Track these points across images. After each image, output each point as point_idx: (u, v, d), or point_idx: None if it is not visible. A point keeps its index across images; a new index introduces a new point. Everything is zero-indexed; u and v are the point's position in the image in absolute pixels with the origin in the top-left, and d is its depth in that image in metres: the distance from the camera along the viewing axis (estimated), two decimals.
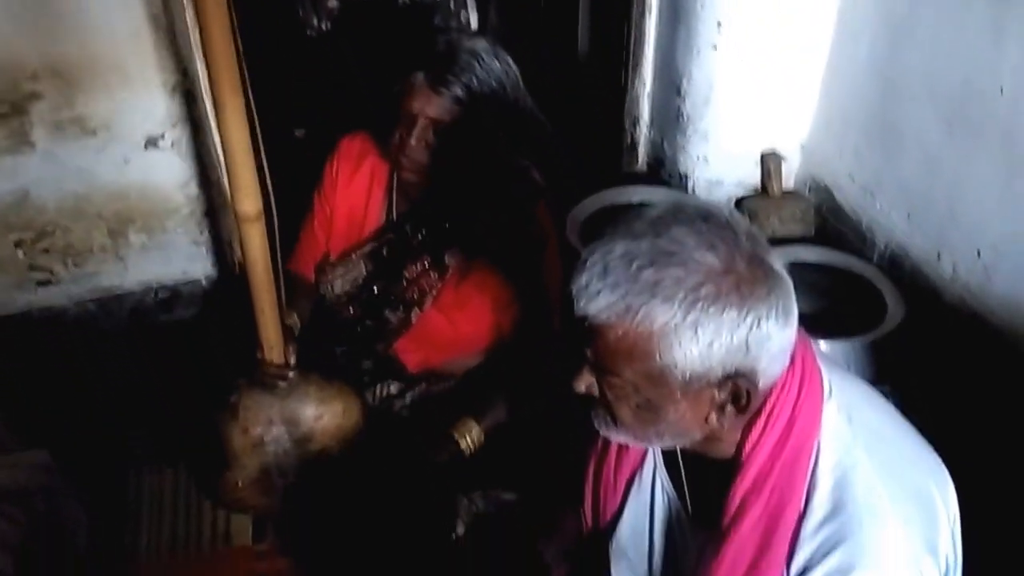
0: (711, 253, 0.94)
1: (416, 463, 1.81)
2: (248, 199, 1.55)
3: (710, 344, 0.94)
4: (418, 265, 1.89)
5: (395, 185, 1.91)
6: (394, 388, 1.99)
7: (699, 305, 0.92)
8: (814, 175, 2.51)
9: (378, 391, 1.99)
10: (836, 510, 0.99)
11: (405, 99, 1.73)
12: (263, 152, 1.53)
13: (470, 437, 1.79)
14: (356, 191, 1.92)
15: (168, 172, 2.28)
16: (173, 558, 1.89)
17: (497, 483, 1.79)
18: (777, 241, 2.41)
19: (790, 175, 2.58)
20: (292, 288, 1.95)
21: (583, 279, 0.96)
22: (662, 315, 0.93)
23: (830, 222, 2.46)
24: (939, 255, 2.03)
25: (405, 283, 1.90)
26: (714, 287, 0.93)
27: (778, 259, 0.98)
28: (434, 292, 1.89)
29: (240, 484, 1.85)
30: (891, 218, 2.19)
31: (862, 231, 2.31)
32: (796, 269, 2.31)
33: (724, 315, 0.93)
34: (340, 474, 1.88)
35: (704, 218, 0.96)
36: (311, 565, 1.89)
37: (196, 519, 1.99)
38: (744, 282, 0.94)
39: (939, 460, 1.08)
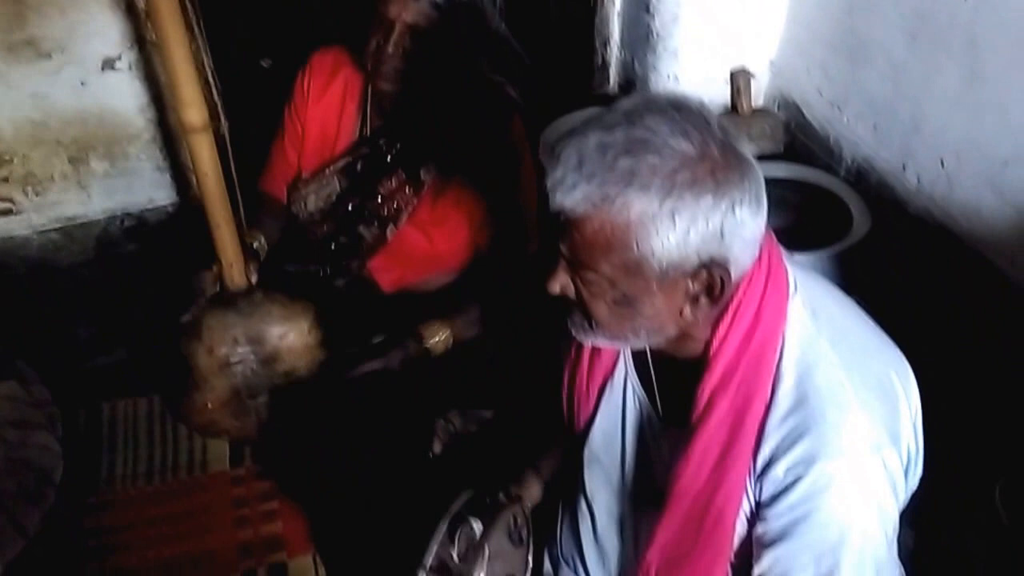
0: (685, 140, 0.94)
1: (384, 382, 1.82)
2: (192, 109, 1.53)
3: (687, 231, 0.94)
4: (393, 181, 1.87)
5: (369, 99, 1.88)
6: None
7: (676, 191, 0.93)
8: (783, 91, 2.50)
9: (352, 314, 1.99)
10: (800, 402, 1.01)
11: (382, 5, 1.70)
12: (211, 65, 1.51)
13: (438, 337, 1.80)
14: (328, 106, 1.89)
15: (127, 95, 2.23)
16: (150, 487, 1.90)
17: (474, 402, 1.82)
18: None
19: (759, 92, 2.57)
20: (262, 208, 1.93)
21: (558, 172, 0.96)
22: (639, 203, 0.93)
23: (799, 138, 2.46)
24: (904, 166, 2.04)
25: (380, 199, 1.88)
26: (690, 173, 0.93)
27: (747, 148, 0.98)
28: (410, 208, 1.87)
29: (210, 406, 1.85)
30: (857, 131, 2.19)
31: (830, 146, 2.31)
32: (766, 185, 2.33)
33: (700, 201, 0.93)
34: (313, 395, 1.89)
35: (676, 107, 0.96)
36: (290, 488, 1.91)
37: (172, 447, 2.00)
38: (719, 168, 0.94)
39: (900, 354, 1.11)
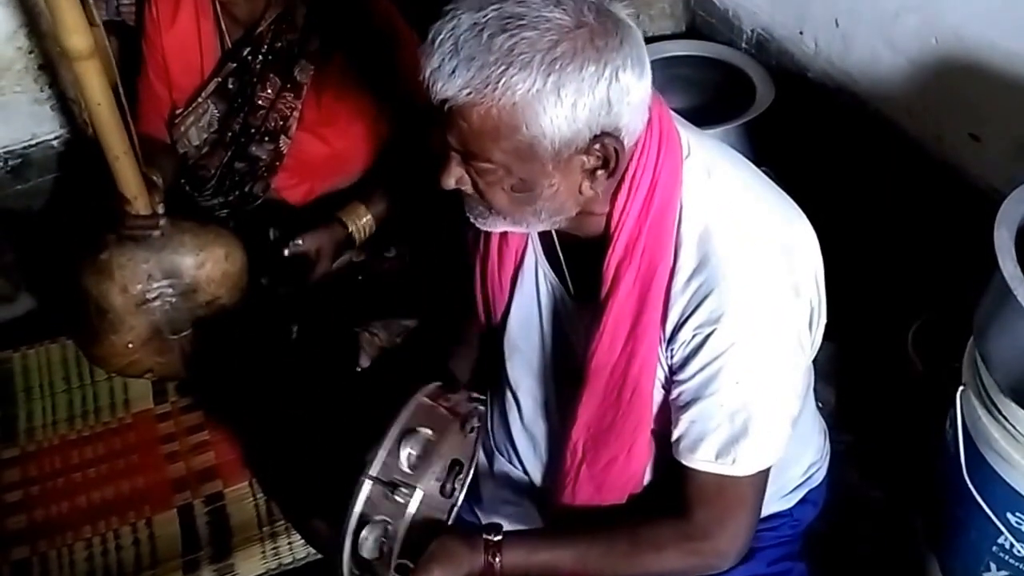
0: (559, 9, 0.91)
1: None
2: (76, 35, 1.42)
3: (573, 105, 0.92)
4: (270, 89, 1.79)
5: (220, 12, 1.79)
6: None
7: (557, 65, 0.90)
8: None
9: (271, 238, 1.93)
10: (702, 264, 1.02)
11: None
12: None
13: (360, 222, 1.77)
14: (183, 30, 1.80)
15: None
16: (73, 432, 1.85)
17: (395, 311, 1.80)
18: (649, 39, 2.38)
19: None
20: (149, 151, 1.83)
21: (435, 60, 0.92)
22: (522, 82, 0.90)
23: (699, 15, 2.44)
24: (801, 32, 2.04)
25: (263, 112, 1.80)
26: (569, 44, 0.90)
27: (623, 9, 0.95)
28: (296, 114, 1.80)
29: (131, 346, 1.79)
30: (754, 1, 2.18)
31: (729, 19, 2.30)
32: (669, 64, 2.32)
33: (583, 71, 0.91)
34: (237, 322, 1.85)
35: None
36: (221, 414, 1.89)
37: (92, 390, 1.93)
38: (597, 35, 0.92)
39: (797, 208, 1.11)
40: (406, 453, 1.15)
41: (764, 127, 2.05)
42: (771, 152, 2.02)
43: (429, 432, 1.18)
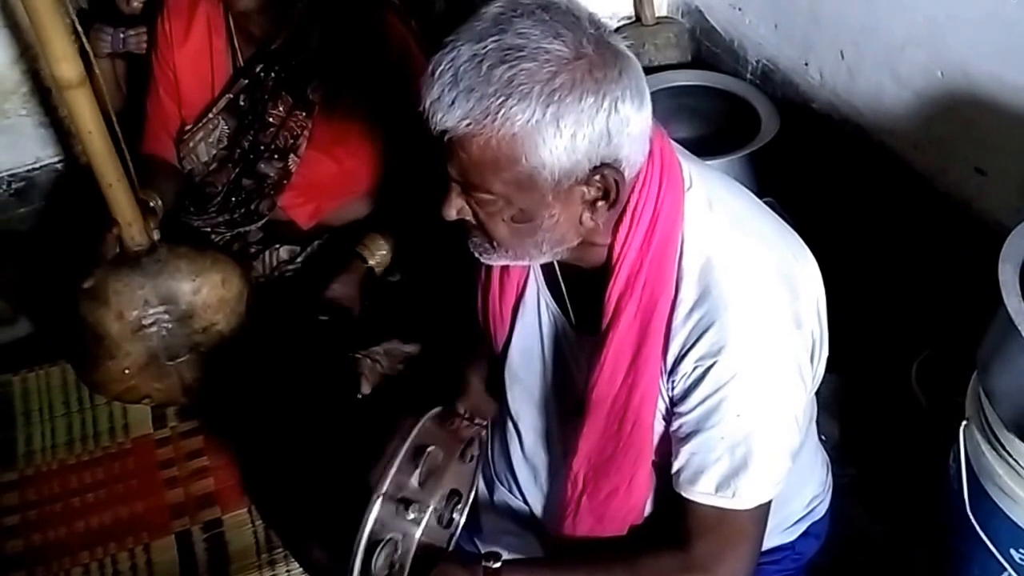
0: (558, 41, 0.91)
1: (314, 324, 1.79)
2: (65, 63, 1.43)
3: (573, 135, 0.92)
4: (281, 107, 1.80)
5: (234, 28, 1.80)
6: (284, 253, 1.93)
7: (556, 96, 0.90)
8: None
9: (267, 259, 1.93)
10: (703, 296, 1.01)
11: None
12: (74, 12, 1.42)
13: (379, 254, 1.77)
14: (195, 46, 1.80)
15: None
16: (72, 457, 1.84)
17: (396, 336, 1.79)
18: (654, 69, 2.39)
19: (662, 1, 2.54)
20: (151, 172, 1.83)
21: (435, 91, 0.92)
22: (522, 113, 0.90)
23: (704, 45, 2.45)
24: (807, 63, 2.05)
25: (273, 129, 1.81)
26: (568, 76, 0.91)
27: (621, 40, 0.96)
28: (306, 132, 1.81)
29: (127, 372, 1.79)
30: (760, 32, 2.19)
31: (734, 49, 2.31)
32: (674, 94, 2.33)
33: (583, 103, 0.91)
34: (235, 348, 1.84)
35: (544, 7, 0.93)
36: (220, 442, 1.87)
37: (92, 414, 1.93)
38: (596, 66, 0.92)
39: (800, 240, 1.11)
40: (416, 471, 1.16)
41: (768, 158, 2.05)
42: (775, 183, 2.02)
43: (438, 450, 1.18)
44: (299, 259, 1.92)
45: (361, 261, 1.77)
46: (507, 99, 0.90)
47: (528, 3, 0.93)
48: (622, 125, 0.94)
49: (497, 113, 0.90)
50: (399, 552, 1.12)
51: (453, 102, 0.91)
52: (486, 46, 0.90)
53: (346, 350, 1.76)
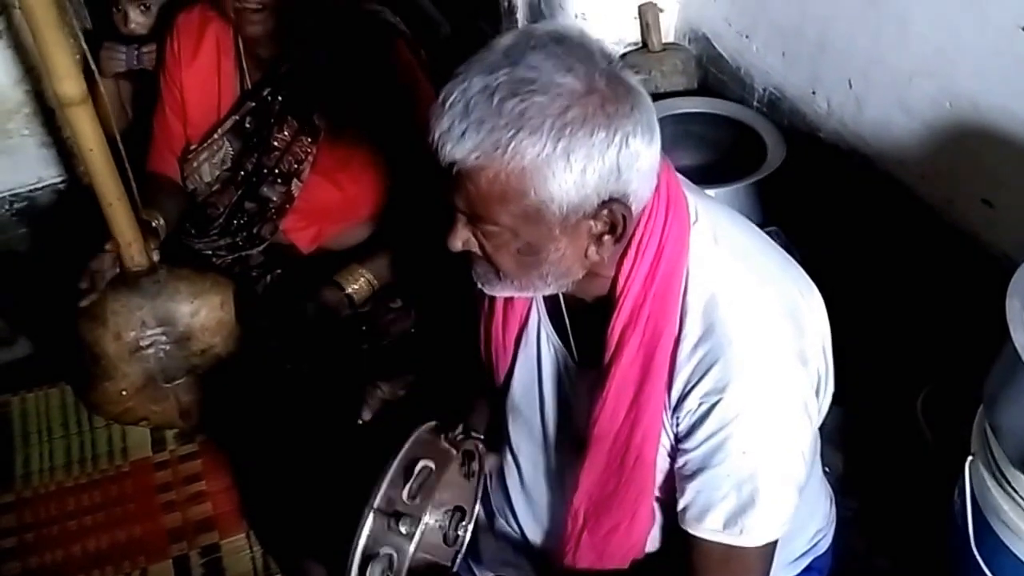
0: (571, 75, 0.90)
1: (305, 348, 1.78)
2: (67, 81, 1.44)
3: (583, 170, 0.91)
4: (287, 131, 1.80)
5: (243, 51, 1.80)
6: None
7: (568, 130, 0.89)
8: (692, 25, 2.48)
9: (268, 283, 1.93)
10: (708, 332, 1.00)
11: None
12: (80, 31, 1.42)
13: (357, 284, 1.77)
14: (203, 67, 1.81)
15: (1, 68, 2.09)
16: (70, 479, 1.84)
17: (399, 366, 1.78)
18: (661, 95, 2.39)
19: (669, 28, 2.54)
20: (154, 190, 1.84)
21: (444, 122, 0.91)
22: (532, 147, 0.89)
23: (711, 72, 2.44)
24: (814, 92, 2.04)
25: (278, 154, 1.81)
26: (580, 110, 0.90)
27: (633, 75, 0.95)
28: (311, 158, 1.81)
29: (124, 394, 1.78)
30: (767, 60, 2.18)
31: (741, 77, 2.30)
32: (681, 121, 2.32)
33: (594, 137, 0.90)
34: (234, 370, 1.83)
35: (557, 41, 0.92)
36: (218, 466, 1.87)
37: (90, 436, 1.94)
38: (607, 101, 0.91)
39: (804, 274, 1.10)
40: (408, 484, 1.14)
41: (775, 186, 2.04)
42: (781, 212, 2.01)
43: (430, 464, 1.17)
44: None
45: (338, 288, 1.76)
46: (518, 132, 0.89)
47: (540, 35, 0.93)
48: (632, 160, 0.93)
49: (507, 146, 0.89)
50: (395, 567, 1.11)
51: (463, 134, 0.90)
52: (498, 79, 0.90)
53: (347, 373, 1.75)
